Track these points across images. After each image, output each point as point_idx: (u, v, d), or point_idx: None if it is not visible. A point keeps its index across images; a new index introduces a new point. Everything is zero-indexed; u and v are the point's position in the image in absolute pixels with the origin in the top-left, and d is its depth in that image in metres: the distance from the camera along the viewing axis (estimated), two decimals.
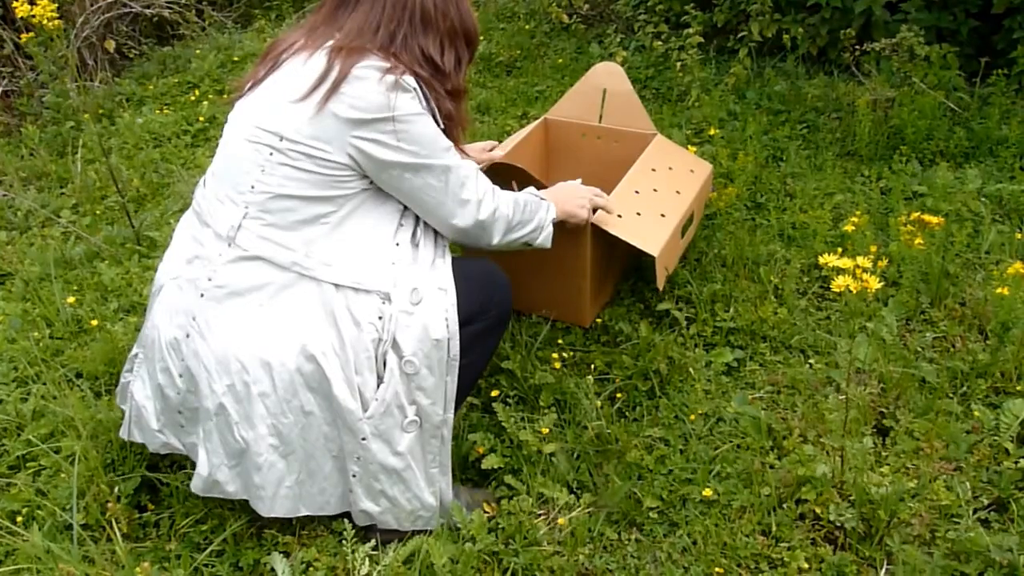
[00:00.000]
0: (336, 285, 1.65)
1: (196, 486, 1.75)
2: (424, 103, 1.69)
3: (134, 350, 1.88)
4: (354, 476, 1.71)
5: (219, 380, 1.66)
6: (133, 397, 1.83)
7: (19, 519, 1.89)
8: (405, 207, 1.76)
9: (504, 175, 2.22)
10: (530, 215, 1.89)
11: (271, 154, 1.67)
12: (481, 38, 4.58)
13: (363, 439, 1.67)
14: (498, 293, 1.84)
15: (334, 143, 1.64)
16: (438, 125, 1.72)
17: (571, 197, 2.07)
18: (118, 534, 1.81)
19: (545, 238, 1.94)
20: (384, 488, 1.72)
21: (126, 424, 1.87)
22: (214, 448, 1.72)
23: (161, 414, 1.80)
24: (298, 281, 1.66)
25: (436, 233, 1.80)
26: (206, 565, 1.80)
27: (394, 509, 1.75)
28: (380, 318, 1.66)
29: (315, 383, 1.65)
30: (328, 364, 1.63)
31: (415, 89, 1.67)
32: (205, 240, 1.74)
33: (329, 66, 1.65)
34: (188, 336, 1.70)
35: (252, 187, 1.68)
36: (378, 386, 1.66)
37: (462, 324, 1.71)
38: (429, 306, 1.68)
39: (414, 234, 1.76)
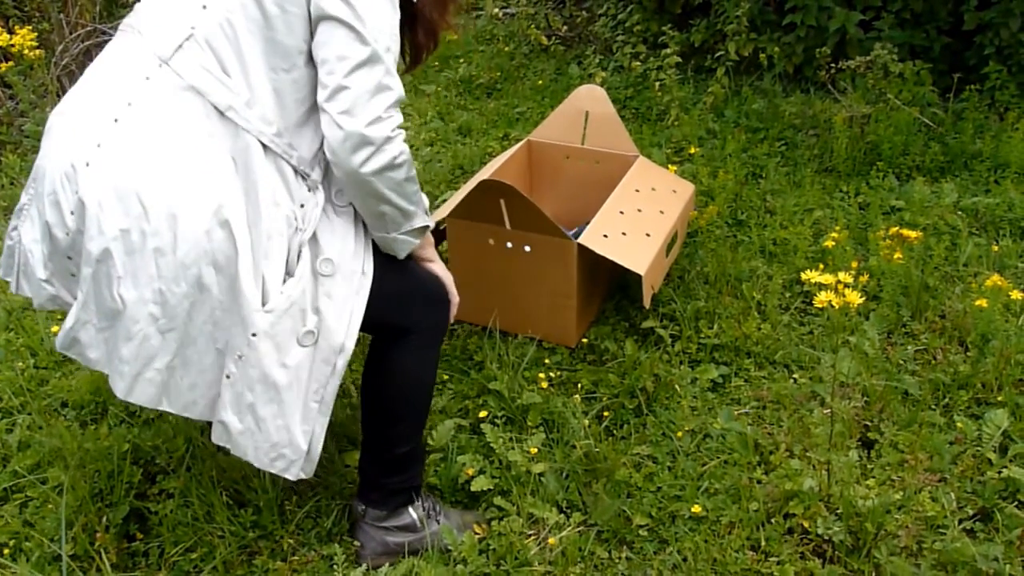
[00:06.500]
0: (266, 148, 1.50)
1: (57, 340, 1.58)
2: (399, 13, 1.56)
3: (22, 200, 1.63)
4: (228, 377, 1.51)
5: (111, 220, 1.44)
6: (20, 241, 1.62)
7: (6, 551, 1.88)
8: None
9: (492, 193, 2.25)
10: (416, 195, 1.63)
11: None
12: (461, 60, 4.63)
13: (253, 335, 1.47)
14: (439, 305, 1.79)
15: None
16: (402, 40, 1.60)
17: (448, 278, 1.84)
18: (107, 564, 1.80)
19: (405, 241, 1.67)
20: (255, 402, 1.52)
21: (14, 276, 1.66)
22: (86, 300, 1.51)
23: (49, 260, 1.58)
24: (226, 133, 1.49)
25: None
26: None
27: (257, 433, 1.54)
28: (302, 206, 1.54)
29: (222, 256, 1.46)
30: (240, 237, 1.46)
31: None
32: (131, 58, 1.53)
33: None
34: (88, 165, 1.47)
35: (204, 7, 1.50)
36: (285, 281, 1.51)
37: (404, 334, 1.71)
38: (355, 212, 1.61)
39: None
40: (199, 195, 1.45)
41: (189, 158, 1.47)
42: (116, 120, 1.48)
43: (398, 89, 1.53)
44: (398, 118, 1.54)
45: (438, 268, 1.81)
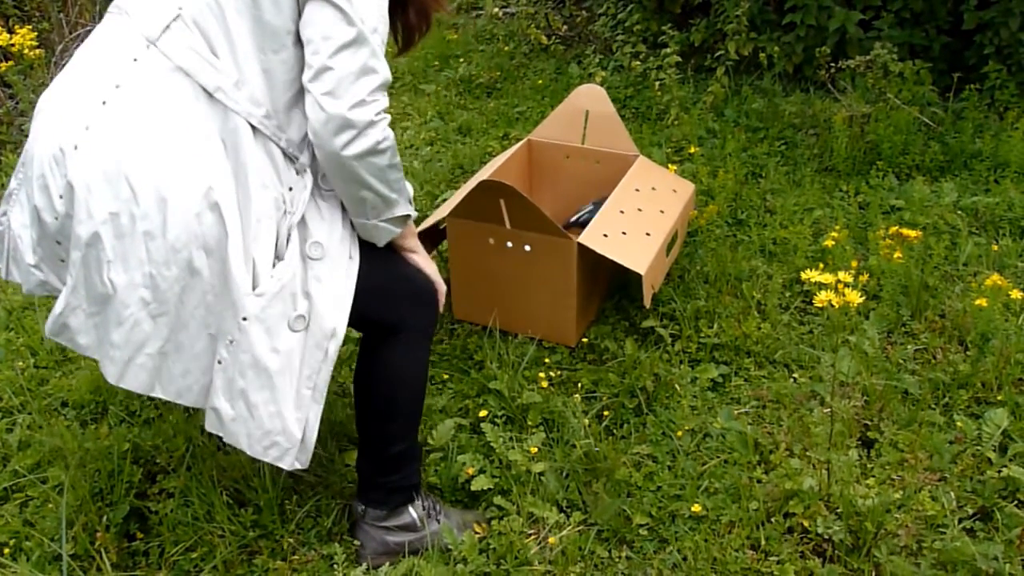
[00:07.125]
0: (256, 130, 1.49)
1: (46, 326, 1.55)
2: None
3: (11, 185, 1.61)
4: (219, 363, 1.50)
5: (101, 203, 1.43)
6: (10, 226, 1.60)
7: (7, 551, 1.88)
8: None
9: (492, 192, 2.25)
10: (399, 183, 1.60)
11: None
12: (461, 60, 4.63)
13: (244, 319, 1.46)
14: (427, 303, 1.77)
15: None
16: (394, 21, 1.61)
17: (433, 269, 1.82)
18: (107, 563, 1.80)
19: (385, 229, 1.65)
20: (247, 388, 1.49)
21: (4, 261, 1.65)
22: (75, 285, 1.49)
23: (38, 245, 1.56)
24: (215, 115, 1.47)
25: None
26: None
27: (250, 420, 1.51)
28: (291, 189, 1.52)
29: (212, 239, 1.45)
30: (231, 220, 1.44)
31: None
32: (119, 39, 1.51)
33: None
34: (76, 148, 1.45)
35: None
36: (275, 265, 1.50)
37: (394, 332, 1.69)
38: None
39: None
40: (189, 177, 1.44)
41: (178, 140, 1.45)
42: (104, 103, 1.46)
43: (384, 72, 1.51)
44: (383, 102, 1.51)
45: (421, 259, 1.79)
